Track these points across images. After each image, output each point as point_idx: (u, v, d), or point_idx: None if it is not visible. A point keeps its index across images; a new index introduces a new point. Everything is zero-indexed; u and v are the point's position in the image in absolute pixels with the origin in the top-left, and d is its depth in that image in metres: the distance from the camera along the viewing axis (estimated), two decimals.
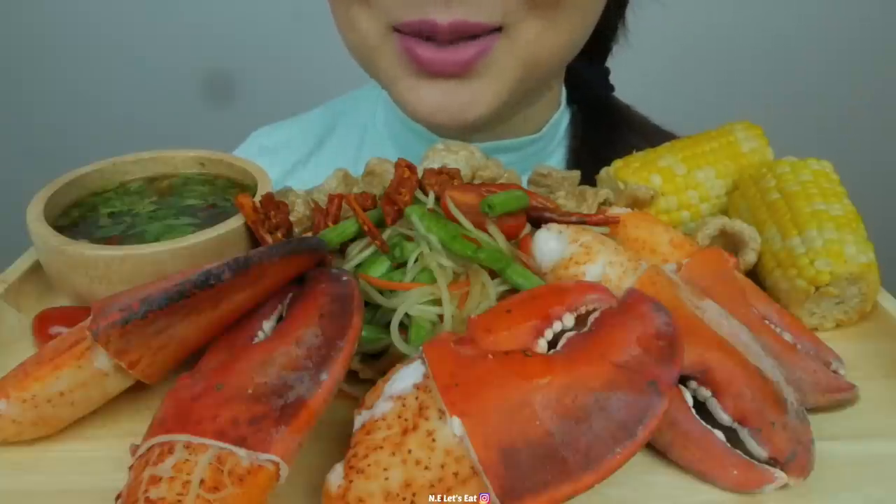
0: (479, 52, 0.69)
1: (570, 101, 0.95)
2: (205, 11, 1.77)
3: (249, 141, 1.03)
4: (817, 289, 0.59)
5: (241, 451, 0.38)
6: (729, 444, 0.46)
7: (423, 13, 0.66)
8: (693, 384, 0.47)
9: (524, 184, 0.71)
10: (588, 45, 0.80)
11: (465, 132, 0.77)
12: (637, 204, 0.69)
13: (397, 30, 0.70)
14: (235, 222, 0.60)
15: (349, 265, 0.56)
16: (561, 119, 0.91)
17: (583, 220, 0.60)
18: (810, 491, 0.45)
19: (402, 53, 0.71)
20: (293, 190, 0.68)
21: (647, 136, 0.94)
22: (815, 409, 0.51)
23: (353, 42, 0.76)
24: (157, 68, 1.81)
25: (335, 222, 0.61)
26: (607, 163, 0.73)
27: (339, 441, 0.44)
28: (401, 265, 0.55)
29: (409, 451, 0.39)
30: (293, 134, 1.01)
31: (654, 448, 0.47)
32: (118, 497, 0.38)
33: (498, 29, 0.69)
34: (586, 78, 0.94)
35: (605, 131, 0.92)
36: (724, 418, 0.46)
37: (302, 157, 0.98)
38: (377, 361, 0.53)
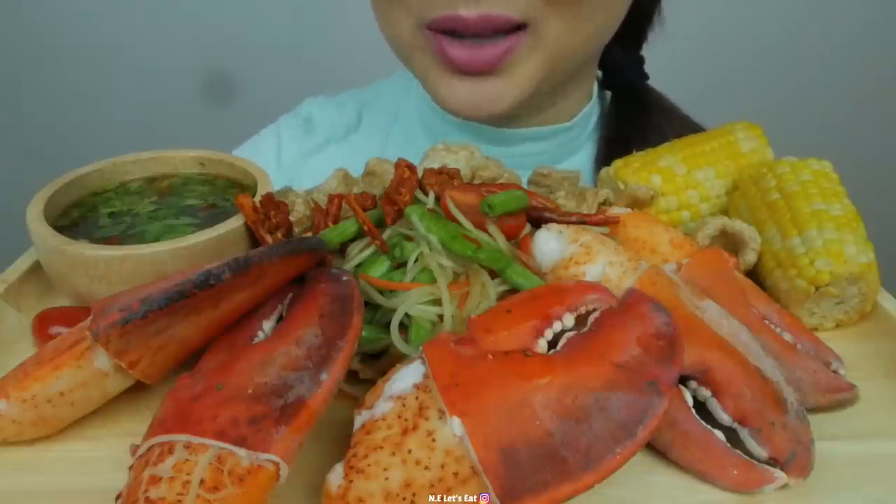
0: (505, 51, 0.73)
1: (603, 87, 0.96)
2: (205, 11, 1.77)
3: (302, 107, 1.05)
4: (817, 289, 0.59)
5: (241, 451, 0.38)
6: (729, 444, 0.46)
7: (451, 8, 0.71)
8: (693, 384, 0.47)
9: (524, 184, 0.72)
10: (622, 31, 0.82)
11: (496, 122, 0.83)
12: (637, 204, 0.69)
13: (428, 28, 0.74)
14: (235, 222, 0.60)
15: (349, 265, 0.56)
16: (592, 111, 0.93)
17: (583, 220, 0.60)
18: (810, 491, 0.45)
19: (434, 53, 0.76)
20: (293, 190, 0.68)
21: (677, 126, 0.94)
22: (815, 409, 0.51)
23: (390, 37, 0.82)
24: (157, 68, 1.81)
25: (335, 222, 0.61)
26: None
27: (339, 441, 0.44)
28: (401, 265, 0.55)
29: (409, 451, 0.39)
30: (335, 112, 1.04)
31: (654, 448, 0.47)
32: (118, 497, 0.38)
33: (522, 26, 0.72)
34: (621, 64, 0.95)
35: (638, 120, 0.94)
36: (724, 418, 0.46)
37: (336, 136, 1.01)
38: (377, 361, 0.53)
